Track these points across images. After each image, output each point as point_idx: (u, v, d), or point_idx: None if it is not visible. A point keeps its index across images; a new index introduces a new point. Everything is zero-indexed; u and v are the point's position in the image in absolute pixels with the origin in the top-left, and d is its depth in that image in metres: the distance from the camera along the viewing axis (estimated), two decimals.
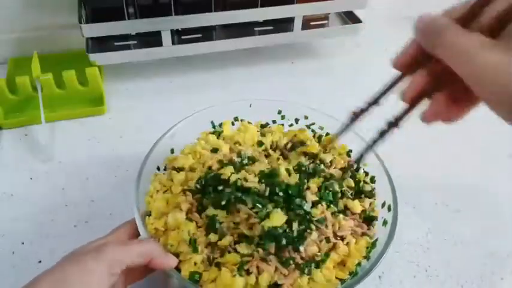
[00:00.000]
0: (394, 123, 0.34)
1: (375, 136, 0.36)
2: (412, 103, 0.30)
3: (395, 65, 0.31)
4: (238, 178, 0.44)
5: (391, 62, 0.31)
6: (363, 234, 0.45)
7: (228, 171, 0.45)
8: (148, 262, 0.38)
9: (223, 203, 0.43)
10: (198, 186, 0.46)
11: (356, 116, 0.37)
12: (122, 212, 0.53)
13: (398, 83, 0.32)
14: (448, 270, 0.50)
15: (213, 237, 0.42)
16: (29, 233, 0.51)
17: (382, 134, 0.35)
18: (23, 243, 0.50)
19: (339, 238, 0.44)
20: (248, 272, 0.40)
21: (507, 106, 0.23)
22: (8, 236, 0.51)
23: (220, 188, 0.44)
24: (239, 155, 0.49)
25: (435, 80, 0.27)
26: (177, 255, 0.41)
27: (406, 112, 0.32)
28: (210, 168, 0.47)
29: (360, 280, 0.39)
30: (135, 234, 0.42)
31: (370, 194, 0.49)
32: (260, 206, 0.42)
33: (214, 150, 0.50)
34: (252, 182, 0.44)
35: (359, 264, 0.43)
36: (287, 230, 0.41)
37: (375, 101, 0.35)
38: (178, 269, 0.41)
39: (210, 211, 0.43)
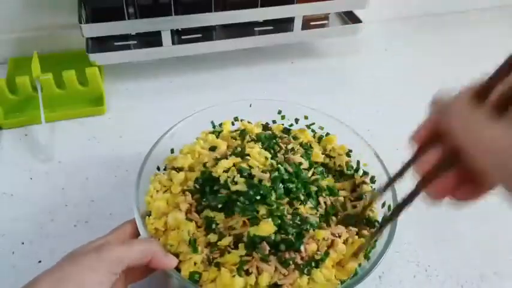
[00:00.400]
0: (407, 200, 0.35)
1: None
2: (426, 179, 0.30)
3: (413, 139, 0.31)
4: (228, 176, 0.44)
5: (410, 137, 0.31)
6: (360, 235, 0.45)
7: (220, 170, 0.45)
8: (148, 262, 0.38)
9: (220, 206, 0.43)
10: (197, 186, 0.46)
11: (386, 186, 0.41)
12: (122, 212, 0.53)
13: (416, 159, 0.32)
14: (448, 270, 0.50)
15: (212, 237, 0.42)
16: (29, 233, 0.51)
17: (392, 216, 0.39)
18: (23, 243, 0.50)
19: (337, 235, 0.44)
20: (248, 273, 0.40)
21: (507, 178, 0.24)
22: (8, 236, 0.51)
23: (216, 187, 0.44)
24: (234, 150, 0.49)
25: (447, 159, 0.28)
26: (177, 255, 0.41)
27: (417, 190, 0.32)
28: (205, 165, 0.47)
29: (360, 280, 0.39)
30: (135, 234, 0.42)
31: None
32: (249, 211, 0.42)
33: (213, 149, 0.50)
34: (240, 184, 0.43)
35: (359, 264, 0.43)
36: (281, 237, 0.41)
37: (400, 175, 0.37)
38: (178, 268, 0.41)
39: (207, 213, 0.43)
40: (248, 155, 0.47)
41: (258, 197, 0.42)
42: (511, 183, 0.24)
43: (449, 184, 0.28)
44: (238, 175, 0.44)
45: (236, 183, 0.43)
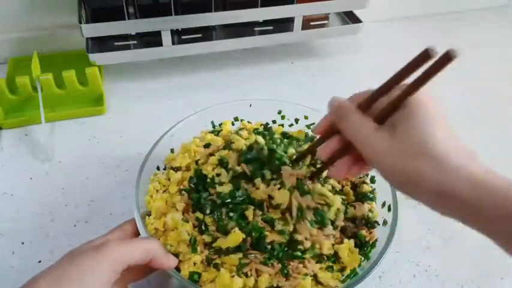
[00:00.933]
0: (314, 174, 0.43)
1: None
2: (328, 161, 0.39)
3: (315, 131, 0.40)
4: (217, 174, 0.44)
5: (312, 129, 0.40)
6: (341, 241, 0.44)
7: (209, 167, 0.45)
8: (149, 261, 0.38)
9: (207, 211, 0.43)
10: (192, 185, 0.46)
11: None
12: (122, 212, 0.53)
13: (320, 143, 0.40)
14: (448, 270, 0.50)
15: (206, 237, 0.42)
16: (29, 233, 0.51)
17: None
18: (23, 243, 0.50)
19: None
20: (247, 275, 0.40)
21: (386, 173, 0.33)
22: (8, 236, 0.51)
23: (207, 186, 0.44)
24: (228, 144, 0.49)
25: (344, 145, 0.36)
26: (176, 255, 0.41)
27: (323, 168, 0.42)
28: (197, 162, 0.47)
29: (360, 280, 0.39)
30: (135, 233, 0.42)
31: (367, 197, 0.48)
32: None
33: (207, 146, 0.50)
34: (226, 185, 0.44)
35: (359, 264, 0.43)
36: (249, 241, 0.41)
37: (305, 154, 0.44)
38: (178, 268, 0.41)
39: (198, 214, 0.43)
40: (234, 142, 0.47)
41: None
42: (383, 172, 0.33)
43: (347, 164, 0.36)
44: (224, 170, 0.44)
45: (222, 183, 0.44)
